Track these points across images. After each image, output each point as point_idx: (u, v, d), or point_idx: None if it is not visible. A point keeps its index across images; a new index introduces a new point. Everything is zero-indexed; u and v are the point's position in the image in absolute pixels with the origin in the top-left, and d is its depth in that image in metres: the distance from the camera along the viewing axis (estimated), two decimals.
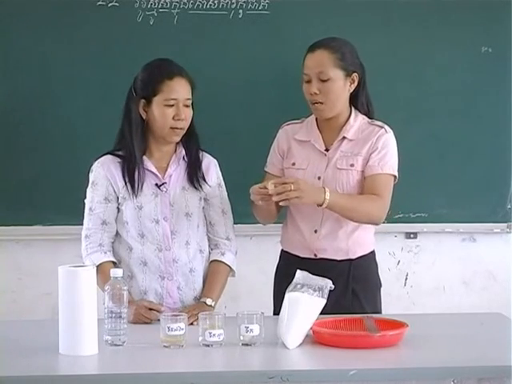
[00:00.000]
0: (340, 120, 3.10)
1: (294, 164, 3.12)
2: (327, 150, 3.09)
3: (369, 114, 3.14)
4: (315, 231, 3.08)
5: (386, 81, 3.64)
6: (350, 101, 3.11)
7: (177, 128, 2.95)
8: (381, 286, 3.18)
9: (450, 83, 3.72)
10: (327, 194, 2.88)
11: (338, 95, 3.04)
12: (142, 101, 2.97)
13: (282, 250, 3.22)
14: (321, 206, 2.90)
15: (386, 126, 3.10)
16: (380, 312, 3.12)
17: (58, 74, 3.59)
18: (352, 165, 3.04)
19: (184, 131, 2.98)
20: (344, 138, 3.08)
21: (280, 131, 3.21)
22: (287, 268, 3.03)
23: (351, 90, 3.08)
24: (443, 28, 3.71)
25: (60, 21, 3.57)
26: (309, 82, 3.05)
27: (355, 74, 3.06)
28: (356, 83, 3.07)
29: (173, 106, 2.93)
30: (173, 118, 2.94)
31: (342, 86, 3.04)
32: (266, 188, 2.81)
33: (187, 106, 2.96)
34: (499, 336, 2.69)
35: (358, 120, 3.10)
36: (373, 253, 3.16)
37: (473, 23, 3.72)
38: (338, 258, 3.07)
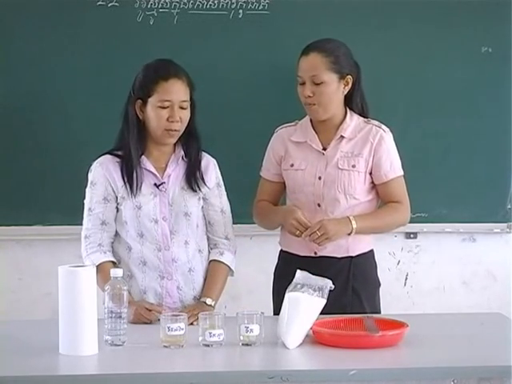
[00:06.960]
0: (335, 121, 3.11)
1: (292, 165, 3.13)
2: (324, 149, 3.10)
3: (363, 114, 3.15)
4: None
5: (385, 81, 3.64)
6: (344, 101, 3.12)
7: (171, 130, 2.94)
8: (380, 285, 3.20)
9: (450, 83, 3.72)
10: (353, 222, 2.99)
11: (331, 98, 3.06)
12: (139, 101, 2.97)
13: (281, 251, 3.23)
14: (349, 234, 3.00)
15: (383, 126, 3.12)
16: (379, 311, 3.13)
17: (57, 74, 3.59)
18: (354, 166, 3.07)
19: (180, 133, 2.97)
20: (342, 137, 3.09)
21: (274, 136, 3.22)
22: (286, 268, 3.04)
23: (345, 92, 3.10)
24: (443, 28, 3.70)
25: (60, 20, 3.57)
26: (303, 84, 3.07)
27: (349, 77, 3.08)
28: (350, 85, 3.09)
29: (167, 107, 2.92)
30: (167, 120, 2.93)
31: (335, 89, 3.06)
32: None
33: (183, 108, 2.94)
34: (499, 336, 2.69)
35: (353, 119, 3.12)
36: (372, 252, 3.18)
37: (473, 23, 3.71)
38: (339, 256, 3.09)
